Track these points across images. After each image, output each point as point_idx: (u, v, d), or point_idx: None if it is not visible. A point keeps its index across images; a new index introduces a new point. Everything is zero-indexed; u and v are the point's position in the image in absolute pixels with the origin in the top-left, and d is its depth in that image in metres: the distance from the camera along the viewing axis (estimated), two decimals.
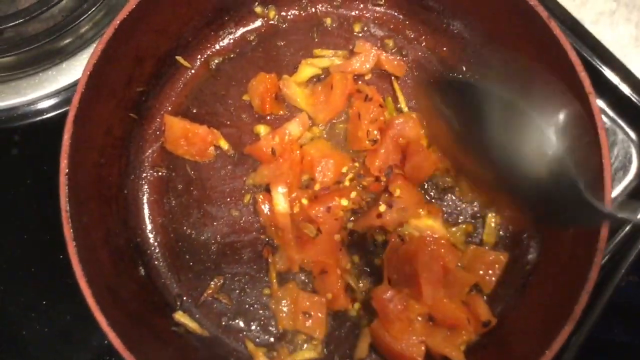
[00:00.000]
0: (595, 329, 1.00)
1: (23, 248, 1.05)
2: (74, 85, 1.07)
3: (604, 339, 1.08)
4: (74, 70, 1.08)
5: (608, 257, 1.01)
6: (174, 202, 1.00)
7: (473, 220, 0.99)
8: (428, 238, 0.91)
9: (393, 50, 1.05)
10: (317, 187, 0.97)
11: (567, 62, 0.87)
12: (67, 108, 0.86)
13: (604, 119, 1.06)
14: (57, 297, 1.03)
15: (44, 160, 1.04)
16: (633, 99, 1.05)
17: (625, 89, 1.06)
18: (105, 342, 0.90)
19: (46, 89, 1.08)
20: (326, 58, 1.04)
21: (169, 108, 1.03)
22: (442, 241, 0.91)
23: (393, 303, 0.89)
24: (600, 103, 1.07)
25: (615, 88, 1.06)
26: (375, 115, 0.97)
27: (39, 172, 1.06)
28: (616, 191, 1.03)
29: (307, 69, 1.02)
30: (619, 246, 1.02)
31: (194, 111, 1.03)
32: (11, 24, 1.07)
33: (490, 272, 0.94)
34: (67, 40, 1.13)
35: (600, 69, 1.07)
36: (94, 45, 0.89)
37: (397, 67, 1.03)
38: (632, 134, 1.06)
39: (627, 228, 1.02)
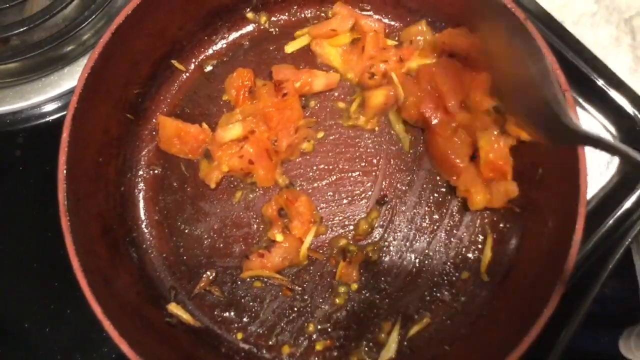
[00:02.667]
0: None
1: (25, 245, 1.09)
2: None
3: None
4: (75, 75, 1.13)
5: (588, 254, 1.03)
6: (168, 199, 1.03)
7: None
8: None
9: None
10: None
11: None
12: None
13: (587, 117, 1.09)
14: (57, 293, 1.06)
15: (46, 162, 1.08)
16: (614, 97, 1.08)
17: (607, 88, 1.09)
18: (104, 334, 0.94)
19: (48, 93, 1.12)
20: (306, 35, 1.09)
21: (164, 109, 1.07)
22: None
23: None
24: (582, 102, 1.10)
25: (596, 87, 1.09)
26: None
27: (41, 173, 1.10)
28: (596, 187, 1.06)
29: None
30: (599, 243, 1.04)
31: (188, 112, 1.07)
32: (16, 32, 1.12)
33: None
34: (70, 47, 1.18)
35: (582, 69, 1.10)
36: None
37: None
38: (614, 132, 1.09)
39: (611, 222, 1.05)
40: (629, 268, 1.16)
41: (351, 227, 1.02)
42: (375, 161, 1.04)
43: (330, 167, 1.04)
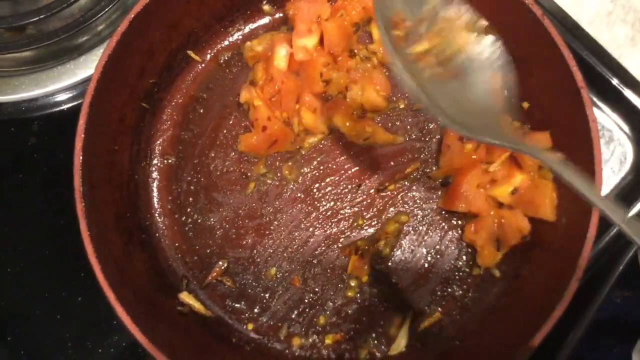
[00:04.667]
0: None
1: (37, 232, 1.09)
2: (90, 79, 1.12)
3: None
4: (91, 64, 1.13)
5: (599, 253, 1.03)
6: (182, 188, 1.04)
7: None
8: None
9: None
10: None
11: (561, 57, 0.91)
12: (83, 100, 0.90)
13: (601, 116, 1.09)
14: (68, 280, 1.06)
15: (60, 150, 1.09)
16: (628, 96, 1.08)
17: (621, 87, 1.09)
18: (115, 322, 0.94)
19: (64, 81, 1.13)
20: None
21: (180, 99, 1.07)
22: None
23: None
24: (597, 101, 1.10)
25: (611, 86, 1.09)
26: None
27: (55, 161, 1.10)
28: (610, 185, 1.06)
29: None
30: (611, 242, 1.04)
31: (204, 102, 1.07)
32: (32, 20, 1.13)
33: None
34: (84, 38, 1.18)
35: (597, 68, 1.10)
36: None
37: None
38: (628, 131, 1.09)
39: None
40: None
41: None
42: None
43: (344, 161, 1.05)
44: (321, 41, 1.01)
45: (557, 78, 0.93)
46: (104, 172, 0.95)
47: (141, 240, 0.99)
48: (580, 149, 0.89)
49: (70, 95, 1.14)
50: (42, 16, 1.13)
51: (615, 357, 1.10)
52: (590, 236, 0.85)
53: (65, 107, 1.14)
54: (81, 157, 0.88)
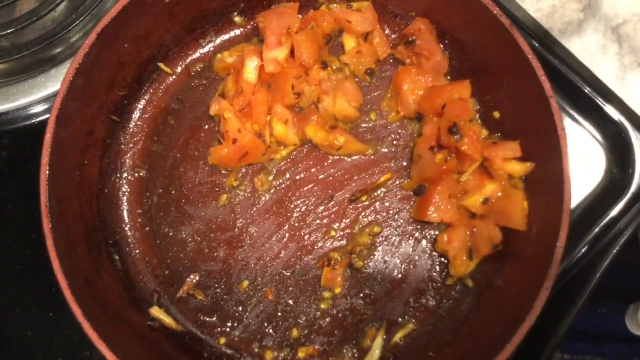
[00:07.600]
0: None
1: (8, 247, 1.08)
2: None
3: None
4: (62, 77, 1.10)
5: (575, 261, 1.04)
6: (152, 201, 1.03)
7: None
8: None
9: None
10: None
11: (529, 67, 0.91)
12: None
13: (573, 124, 1.09)
14: (40, 296, 1.05)
15: (31, 163, 1.08)
16: (601, 104, 1.08)
17: (593, 95, 1.09)
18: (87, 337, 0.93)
19: (34, 95, 1.12)
20: None
21: (151, 112, 1.07)
22: None
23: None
24: (569, 109, 1.10)
25: (583, 95, 1.09)
26: None
27: (26, 175, 1.09)
28: (582, 194, 1.06)
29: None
30: (587, 250, 1.04)
31: (175, 115, 1.07)
32: (4, 33, 1.12)
33: None
34: (58, 49, 1.18)
35: (569, 76, 1.10)
36: None
37: None
38: (600, 138, 1.09)
39: (597, 229, 1.05)
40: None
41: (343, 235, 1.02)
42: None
43: (317, 171, 1.04)
44: (292, 53, 1.01)
45: (527, 87, 0.93)
46: (72, 186, 0.94)
47: (111, 254, 0.98)
48: (550, 158, 0.89)
49: (42, 108, 1.13)
50: (13, 29, 1.12)
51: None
52: (560, 245, 0.85)
53: (36, 120, 1.13)
54: (47, 172, 0.87)
